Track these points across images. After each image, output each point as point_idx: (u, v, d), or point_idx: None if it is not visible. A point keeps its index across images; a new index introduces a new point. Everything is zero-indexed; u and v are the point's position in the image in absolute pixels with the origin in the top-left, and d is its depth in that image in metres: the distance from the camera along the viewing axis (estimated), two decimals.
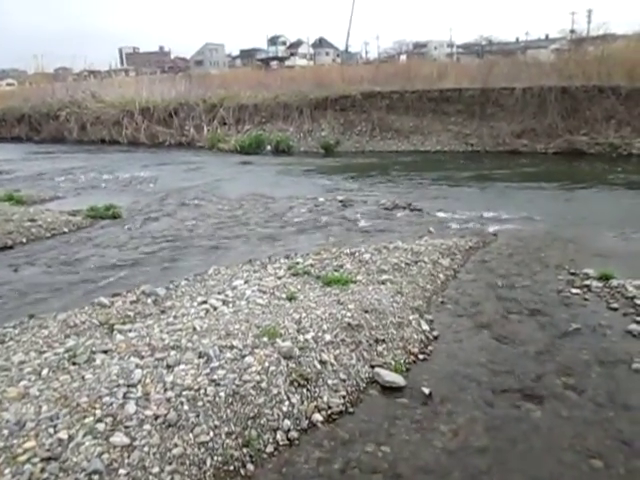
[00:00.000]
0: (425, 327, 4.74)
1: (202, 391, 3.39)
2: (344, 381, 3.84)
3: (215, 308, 4.83)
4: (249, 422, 3.29)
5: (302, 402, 3.56)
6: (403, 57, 45.00)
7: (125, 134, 22.28)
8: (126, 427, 3.07)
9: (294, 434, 3.33)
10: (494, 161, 15.36)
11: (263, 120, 20.90)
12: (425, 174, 13.63)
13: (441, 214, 9.23)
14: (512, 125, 17.19)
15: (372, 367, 4.06)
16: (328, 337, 4.20)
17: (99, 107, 23.56)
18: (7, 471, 2.74)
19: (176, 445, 3.03)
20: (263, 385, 3.53)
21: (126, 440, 2.98)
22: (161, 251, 7.47)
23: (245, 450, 3.15)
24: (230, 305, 4.90)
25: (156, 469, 2.87)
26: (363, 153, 18.04)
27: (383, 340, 4.39)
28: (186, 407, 3.25)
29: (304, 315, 4.51)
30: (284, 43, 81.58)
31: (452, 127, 18.21)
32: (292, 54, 72.83)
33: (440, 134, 18.19)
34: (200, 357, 3.77)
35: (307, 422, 3.44)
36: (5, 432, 3.00)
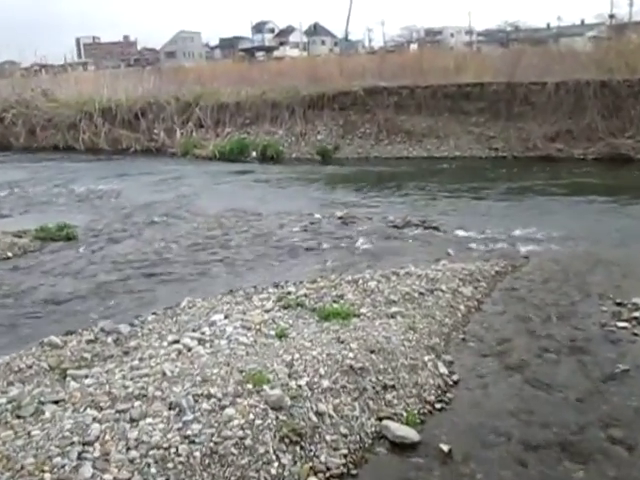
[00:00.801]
0: (443, 370, 4.75)
1: (173, 450, 3.37)
2: (345, 437, 3.83)
3: (189, 349, 4.82)
4: None
5: (295, 463, 3.54)
6: (413, 46, 45.87)
7: (82, 139, 22.36)
8: None
9: None
10: (523, 169, 15.49)
11: (247, 122, 21.06)
12: (442, 185, 13.74)
13: (461, 233, 9.28)
14: (544, 126, 17.37)
15: (379, 419, 4.05)
16: (326, 383, 4.20)
17: (51, 107, 23.71)
18: None
19: None
20: (247, 442, 3.52)
21: None
22: (124, 280, 7.47)
23: None
24: (207, 345, 4.89)
25: None
26: (367, 160, 18.18)
27: (393, 386, 4.38)
28: (153, 470, 3.23)
29: (297, 356, 4.51)
30: (272, 30, 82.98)
31: (473, 129, 18.39)
32: (281, 43, 74.09)
33: (459, 137, 18.35)
34: (170, 408, 3.75)
35: None
36: None
